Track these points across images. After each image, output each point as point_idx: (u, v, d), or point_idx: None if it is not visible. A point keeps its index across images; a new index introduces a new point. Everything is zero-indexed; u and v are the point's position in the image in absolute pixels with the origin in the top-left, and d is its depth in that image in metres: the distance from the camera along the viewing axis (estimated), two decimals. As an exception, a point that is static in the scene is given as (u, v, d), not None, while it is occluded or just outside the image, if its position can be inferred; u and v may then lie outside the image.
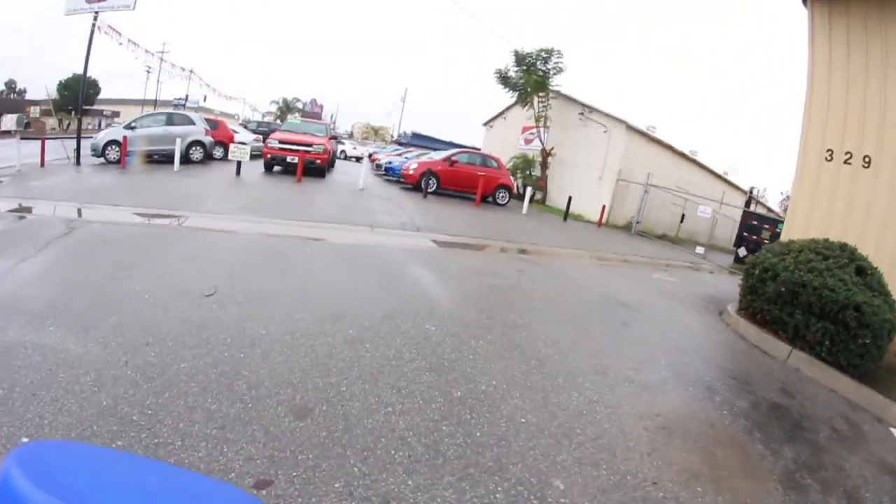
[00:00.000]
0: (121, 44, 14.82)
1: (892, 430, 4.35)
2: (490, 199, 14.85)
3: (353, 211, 9.45)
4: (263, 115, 50.79)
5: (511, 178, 16.56)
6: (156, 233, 6.14)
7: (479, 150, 21.27)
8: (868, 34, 6.32)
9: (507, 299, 5.21)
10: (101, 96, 41.44)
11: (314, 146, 13.35)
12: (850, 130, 6.35)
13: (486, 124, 25.53)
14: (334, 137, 23.18)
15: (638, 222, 14.84)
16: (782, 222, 14.16)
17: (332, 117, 57.54)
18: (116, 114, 38.77)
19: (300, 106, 57.69)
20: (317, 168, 13.58)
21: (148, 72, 39.63)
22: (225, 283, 4.18)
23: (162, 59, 34.46)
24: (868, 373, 4.70)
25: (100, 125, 30.61)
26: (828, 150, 6.52)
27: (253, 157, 13.60)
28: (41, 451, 0.54)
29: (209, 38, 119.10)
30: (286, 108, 56.42)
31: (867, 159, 6.20)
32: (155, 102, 39.49)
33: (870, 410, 4.51)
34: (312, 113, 51.33)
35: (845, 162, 6.39)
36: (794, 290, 4.93)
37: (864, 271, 4.99)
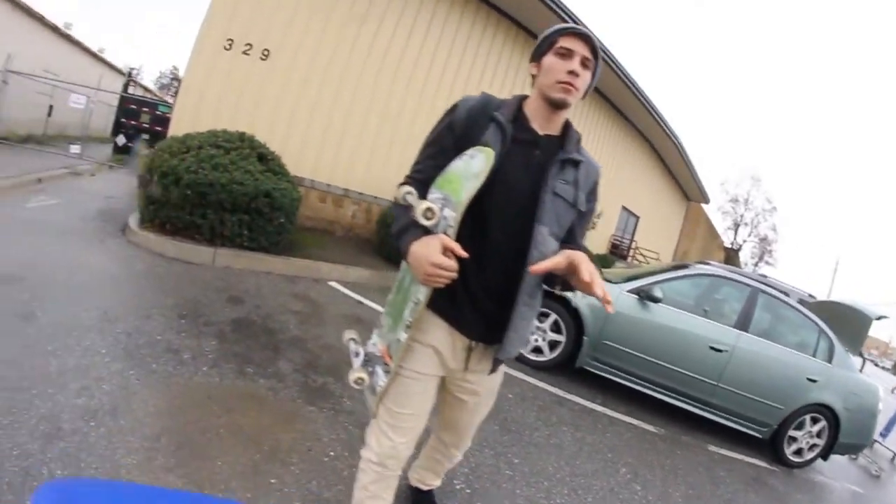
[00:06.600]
0: None
1: (330, 283, 4.94)
2: None
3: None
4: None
5: None
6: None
7: None
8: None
9: None
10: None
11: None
12: (254, 24, 6.44)
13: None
14: None
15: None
16: (164, 104, 13.21)
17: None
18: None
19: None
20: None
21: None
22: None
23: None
24: (284, 245, 5.07)
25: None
26: (228, 40, 6.32)
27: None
28: (63, 488, 0.59)
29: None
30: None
31: (266, 52, 6.54)
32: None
33: (306, 276, 4.95)
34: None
35: (244, 52, 6.42)
36: (202, 192, 4.36)
37: (265, 158, 5.03)
